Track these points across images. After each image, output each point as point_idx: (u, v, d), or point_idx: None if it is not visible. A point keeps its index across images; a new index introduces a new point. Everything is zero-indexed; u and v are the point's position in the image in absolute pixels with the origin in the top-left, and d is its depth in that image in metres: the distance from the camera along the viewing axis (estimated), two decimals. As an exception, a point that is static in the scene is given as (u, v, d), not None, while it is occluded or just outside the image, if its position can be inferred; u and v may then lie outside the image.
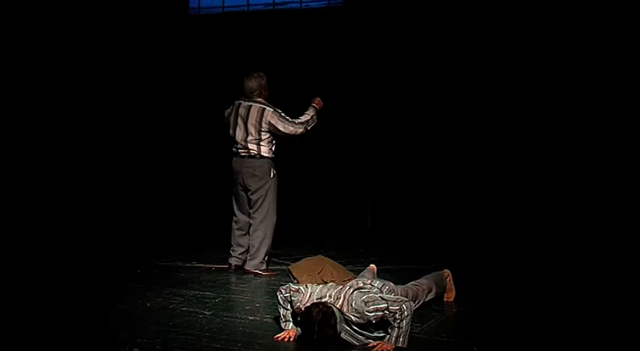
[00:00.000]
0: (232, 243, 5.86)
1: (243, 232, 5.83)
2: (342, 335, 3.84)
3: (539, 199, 7.16)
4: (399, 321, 3.74)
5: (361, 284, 4.03)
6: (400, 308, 3.74)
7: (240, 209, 5.82)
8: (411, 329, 3.83)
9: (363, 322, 3.82)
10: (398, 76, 7.76)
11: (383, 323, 3.83)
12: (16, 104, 7.85)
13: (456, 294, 4.81)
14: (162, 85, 8.51)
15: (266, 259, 5.76)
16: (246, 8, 8.65)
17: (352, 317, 3.81)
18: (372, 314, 3.77)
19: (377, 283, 4.17)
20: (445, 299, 4.78)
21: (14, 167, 7.77)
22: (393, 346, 3.73)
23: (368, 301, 3.79)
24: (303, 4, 8.38)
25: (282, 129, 5.61)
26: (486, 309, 4.68)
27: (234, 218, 5.87)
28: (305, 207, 7.85)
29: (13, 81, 7.83)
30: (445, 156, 7.64)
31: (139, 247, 6.89)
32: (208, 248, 6.68)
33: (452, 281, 4.82)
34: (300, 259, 5.44)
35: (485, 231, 7.13)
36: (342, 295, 3.87)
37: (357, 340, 3.88)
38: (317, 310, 3.71)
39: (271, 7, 8.53)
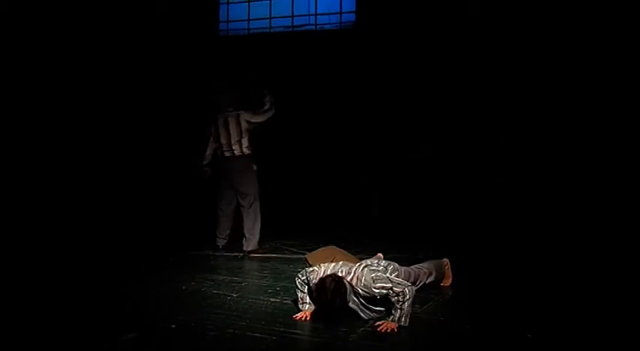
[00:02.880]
0: (219, 228, 6.31)
1: (227, 218, 6.28)
2: (350, 304, 3.92)
3: (538, 198, 7.04)
4: (401, 303, 3.81)
5: (369, 262, 4.12)
6: (403, 291, 3.82)
7: (227, 201, 6.25)
8: (412, 310, 3.88)
9: (369, 296, 3.90)
10: (403, 87, 7.80)
11: (386, 299, 3.90)
12: (39, 106, 7.71)
13: (452, 280, 4.85)
14: (195, 94, 8.56)
15: (259, 238, 6.19)
16: (268, 30, 8.78)
17: (360, 291, 3.90)
18: (378, 291, 3.86)
19: (383, 262, 4.26)
20: (442, 284, 4.82)
21: (56, 165, 7.79)
22: (397, 325, 3.80)
23: (376, 279, 3.88)
24: (318, 26, 8.49)
25: (261, 120, 6.12)
26: (479, 294, 4.71)
27: (223, 209, 6.28)
28: (317, 203, 7.93)
29: (28, 84, 7.63)
30: (448, 157, 7.58)
31: (174, 239, 6.94)
32: (233, 240, 6.70)
33: (450, 269, 4.87)
34: (314, 249, 5.55)
35: (484, 226, 7.02)
36: (353, 271, 3.96)
37: (362, 311, 3.96)
38: (330, 280, 3.80)
39: (290, 29, 8.65)
